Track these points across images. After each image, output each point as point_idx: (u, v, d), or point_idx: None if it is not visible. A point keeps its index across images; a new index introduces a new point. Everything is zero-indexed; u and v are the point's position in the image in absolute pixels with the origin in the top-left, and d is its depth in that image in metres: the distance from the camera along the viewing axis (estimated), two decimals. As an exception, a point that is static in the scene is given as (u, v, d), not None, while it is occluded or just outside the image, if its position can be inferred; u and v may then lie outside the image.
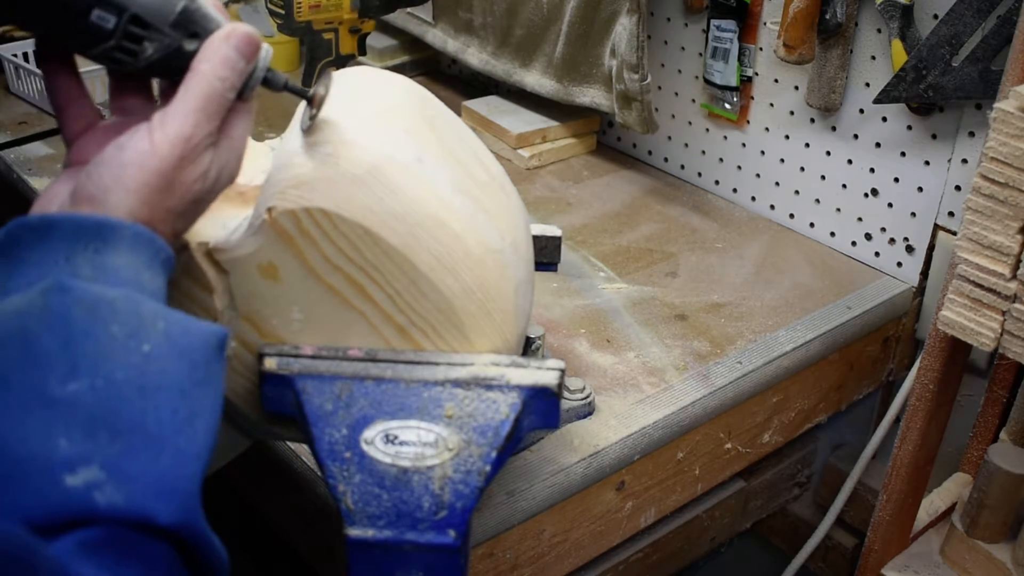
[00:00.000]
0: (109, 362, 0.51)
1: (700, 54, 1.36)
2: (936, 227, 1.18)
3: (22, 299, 0.52)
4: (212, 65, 0.59)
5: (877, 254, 1.25)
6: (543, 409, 0.69)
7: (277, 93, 0.65)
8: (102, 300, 0.52)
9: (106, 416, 0.50)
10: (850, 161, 1.25)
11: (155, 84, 0.66)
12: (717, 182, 1.42)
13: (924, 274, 1.21)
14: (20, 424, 0.48)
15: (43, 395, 0.49)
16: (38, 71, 1.52)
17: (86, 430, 0.49)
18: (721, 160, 1.40)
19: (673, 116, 1.44)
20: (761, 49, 1.28)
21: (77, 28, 0.57)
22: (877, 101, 1.13)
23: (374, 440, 0.66)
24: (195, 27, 0.60)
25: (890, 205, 1.22)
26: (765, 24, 1.26)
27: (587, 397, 0.95)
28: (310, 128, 0.67)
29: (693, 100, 1.40)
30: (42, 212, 0.58)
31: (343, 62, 1.41)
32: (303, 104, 0.68)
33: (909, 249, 1.22)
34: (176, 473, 0.51)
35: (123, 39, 0.58)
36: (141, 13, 0.58)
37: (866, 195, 1.24)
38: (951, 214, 1.16)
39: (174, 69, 0.60)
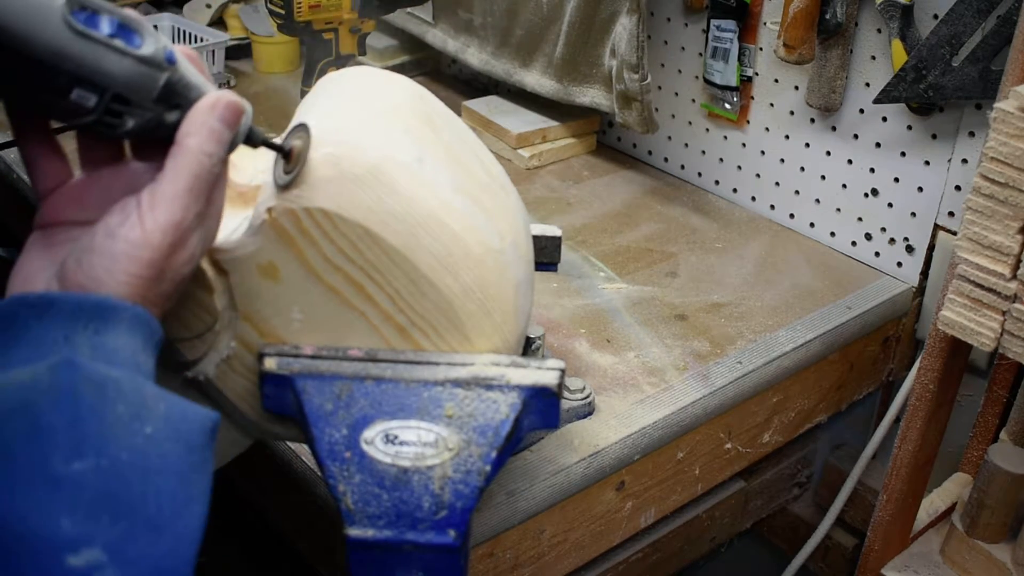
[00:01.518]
0: (114, 443, 0.51)
1: (700, 54, 1.36)
2: (936, 227, 1.18)
3: (27, 373, 0.51)
4: (199, 140, 0.57)
5: (877, 254, 1.25)
6: (543, 409, 0.69)
7: (256, 147, 0.64)
8: (109, 379, 0.52)
9: (109, 498, 0.50)
10: (850, 161, 1.25)
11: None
12: (717, 182, 1.42)
13: (924, 274, 1.21)
14: (23, 500, 0.48)
15: (47, 472, 0.49)
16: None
17: (89, 511, 0.49)
18: (721, 160, 1.40)
19: (673, 116, 1.44)
20: (761, 49, 1.28)
21: (57, 105, 0.55)
22: (877, 101, 1.13)
23: (374, 440, 0.66)
24: (177, 99, 0.58)
25: (890, 205, 1.22)
26: (765, 24, 1.26)
27: (587, 397, 0.95)
28: (288, 183, 0.65)
29: (693, 100, 1.40)
30: (25, 289, 0.57)
31: (343, 62, 1.41)
32: (276, 159, 0.66)
33: (909, 249, 1.22)
34: (174, 557, 0.51)
35: (104, 115, 0.56)
36: (123, 92, 0.56)
37: (866, 195, 1.24)
38: (951, 214, 1.16)
39: (154, 138, 0.59)
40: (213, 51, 1.63)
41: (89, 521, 0.49)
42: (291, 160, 0.66)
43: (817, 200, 1.30)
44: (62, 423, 0.50)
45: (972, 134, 1.11)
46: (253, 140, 0.63)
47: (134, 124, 0.57)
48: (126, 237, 0.56)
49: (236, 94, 0.60)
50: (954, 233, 1.15)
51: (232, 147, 0.60)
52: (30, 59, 0.53)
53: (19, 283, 0.59)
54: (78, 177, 0.63)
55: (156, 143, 0.59)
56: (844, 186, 1.26)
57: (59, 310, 0.53)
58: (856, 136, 1.23)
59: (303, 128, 0.67)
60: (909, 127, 1.17)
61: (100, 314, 0.54)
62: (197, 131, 0.58)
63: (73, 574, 0.47)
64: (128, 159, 0.63)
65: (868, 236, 1.26)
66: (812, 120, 1.27)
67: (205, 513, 0.54)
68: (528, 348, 0.89)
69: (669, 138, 1.46)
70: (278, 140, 0.67)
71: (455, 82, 1.75)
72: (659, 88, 1.44)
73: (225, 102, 0.59)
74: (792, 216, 1.34)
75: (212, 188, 0.59)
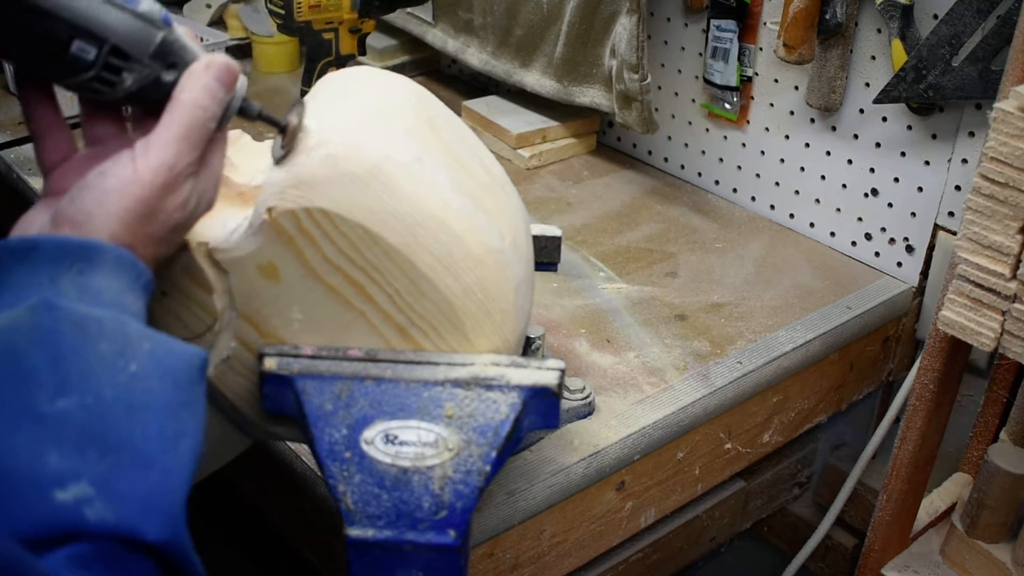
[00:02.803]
0: (97, 380, 0.51)
1: (700, 54, 1.36)
2: (936, 227, 1.18)
3: (9, 317, 0.52)
4: (194, 95, 0.59)
5: (877, 254, 1.25)
6: (543, 409, 0.69)
7: (253, 119, 0.65)
8: (90, 319, 0.53)
9: (95, 433, 0.50)
10: (850, 161, 1.25)
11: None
12: (717, 182, 1.42)
13: (924, 274, 1.21)
14: (9, 438, 0.49)
15: (32, 411, 0.49)
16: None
17: (76, 446, 0.49)
18: (721, 160, 1.40)
19: (673, 116, 1.44)
20: (761, 49, 1.28)
21: (57, 59, 0.57)
22: (877, 101, 1.13)
23: (374, 440, 0.66)
24: (174, 58, 0.60)
25: (890, 205, 1.22)
26: (765, 24, 1.26)
27: (587, 397, 0.95)
28: (283, 157, 0.67)
29: (693, 100, 1.40)
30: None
31: (343, 62, 1.41)
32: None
33: (909, 249, 1.22)
34: (163, 491, 0.51)
35: (103, 70, 0.58)
36: (121, 44, 0.58)
37: (866, 195, 1.24)
38: (951, 214, 1.16)
39: (152, 100, 0.60)
40: (213, 51, 1.62)
41: (76, 456, 0.49)
42: (286, 134, 0.67)
43: (817, 200, 1.30)
44: (44, 363, 0.50)
45: (972, 134, 1.11)
46: (249, 112, 0.64)
47: (132, 81, 0.59)
48: (117, 174, 0.57)
49: (232, 60, 0.62)
50: (954, 233, 1.15)
51: (229, 111, 0.62)
52: (33, 8, 0.55)
53: (15, 233, 0.60)
54: (82, 152, 0.64)
55: (157, 115, 0.60)
56: (844, 186, 1.26)
57: (42, 253, 0.54)
58: (856, 136, 1.23)
59: (299, 104, 0.68)
60: (909, 127, 1.17)
61: (84, 255, 0.55)
62: (192, 87, 0.60)
63: (62, 508, 0.48)
64: (130, 133, 0.65)
65: (868, 236, 1.26)
66: (812, 120, 1.27)
67: (195, 448, 0.54)
68: (528, 348, 0.89)
69: (669, 138, 1.46)
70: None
71: (455, 82, 1.75)
72: (659, 88, 1.44)
73: (220, 62, 0.61)
74: (792, 216, 1.34)
75: (207, 144, 0.61)
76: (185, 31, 0.62)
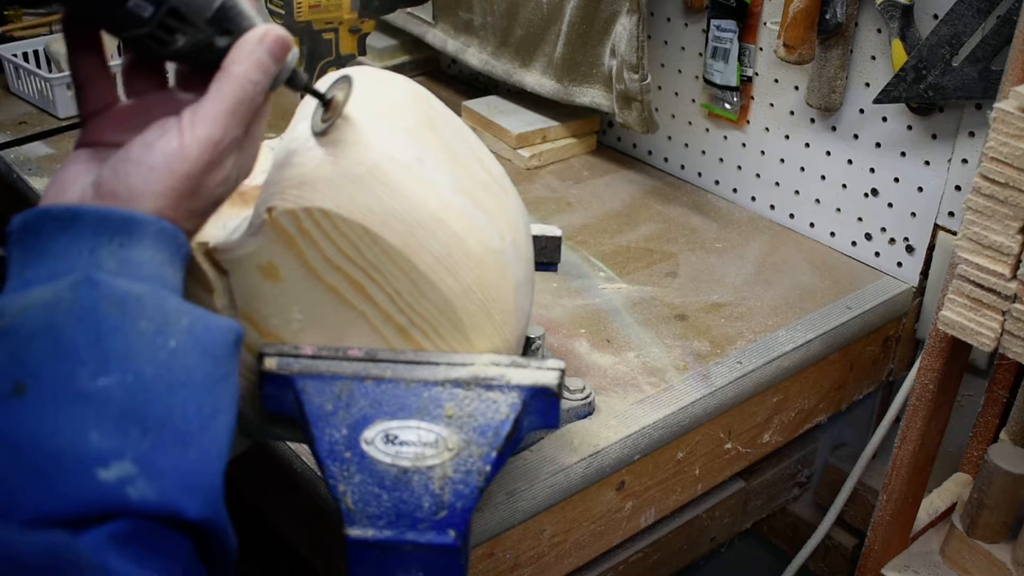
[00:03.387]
0: (138, 358, 0.51)
1: (700, 54, 1.36)
2: (936, 227, 1.18)
3: (50, 292, 0.51)
4: (246, 68, 0.58)
5: (877, 254, 1.25)
6: (543, 409, 0.69)
7: (299, 91, 0.64)
8: (130, 296, 0.52)
9: (136, 411, 0.50)
10: (850, 161, 1.25)
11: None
12: (717, 182, 1.42)
13: (924, 274, 1.21)
14: (52, 417, 0.49)
15: (74, 389, 0.49)
16: (38, 71, 1.52)
17: (117, 425, 0.49)
18: (721, 160, 1.40)
19: (673, 116, 1.44)
20: (761, 49, 1.28)
21: (113, 11, 0.56)
22: (877, 101, 1.13)
23: (374, 440, 0.66)
24: (230, 24, 0.59)
25: (890, 205, 1.22)
26: (765, 24, 1.26)
27: (587, 397, 0.95)
28: (324, 131, 0.67)
29: (693, 100, 1.40)
30: (58, 198, 0.58)
31: (343, 62, 1.41)
32: (314, 106, 0.68)
33: (909, 249, 1.22)
34: (202, 468, 0.52)
35: (157, 28, 0.57)
36: (179, 6, 0.57)
37: (866, 195, 1.24)
38: (951, 214, 1.16)
39: (202, 62, 0.60)
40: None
41: (118, 435, 0.49)
42: (329, 109, 0.66)
43: (817, 200, 1.30)
44: (85, 341, 0.50)
45: (972, 134, 1.11)
46: (296, 82, 0.64)
47: (185, 42, 0.58)
48: (163, 149, 0.56)
49: (286, 31, 0.61)
50: (954, 233, 1.15)
51: (277, 83, 0.61)
52: None
53: (53, 193, 0.59)
54: (124, 103, 0.64)
55: (201, 74, 0.60)
56: (844, 186, 1.26)
57: (85, 223, 0.54)
58: (856, 136, 1.23)
59: (346, 80, 0.67)
60: (909, 127, 1.17)
61: (126, 228, 0.54)
62: (245, 59, 0.59)
63: (105, 487, 0.48)
64: (173, 89, 0.64)
65: (868, 236, 1.26)
66: (812, 120, 1.27)
67: (232, 424, 0.55)
68: (528, 348, 0.89)
69: (669, 138, 1.46)
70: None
71: (455, 82, 1.75)
72: (659, 88, 1.44)
73: (275, 35, 0.60)
74: (792, 216, 1.34)
75: (253, 117, 0.60)
76: None
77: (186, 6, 0.57)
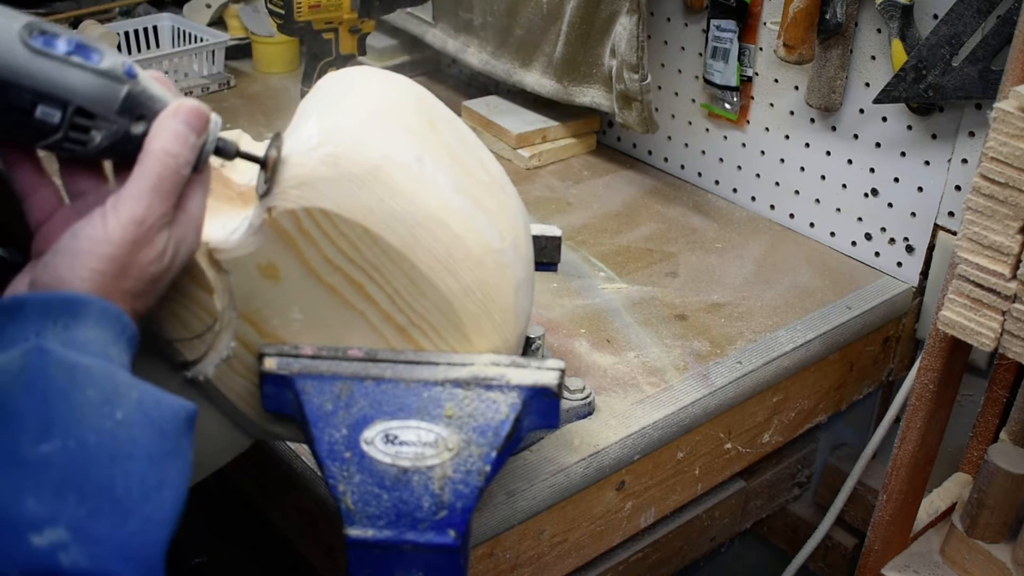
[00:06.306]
0: (83, 425, 0.51)
1: (700, 54, 1.36)
2: (936, 227, 1.18)
3: (0, 361, 0.52)
4: (162, 142, 0.59)
5: (877, 254, 1.25)
6: (543, 409, 0.69)
7: (231, 159, 0.65)
8: (79, 365, 0.53)
9: (76, 478, 0.50)
10: (850, 161, 1.25)
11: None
12: (717, 182, 1.42)
13: (924, 274, 1.21)
14: None
15: (14, 455, 0.50)
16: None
17: (55, 491, 0.50)
18: (721, 160, 1.40)
19: (673, 116, 1.44)
20: (761, 49, 1.28)
21: (24, 125, 0.57)
22: (877, 101, 1.13)
23: (374, 440, 0.66)
24: (141, 110, 0.59)
25: (890, 205, 1.22)
26: (765, 24, 1.26)
27: (587, 397, 0.95)
28: (265, 193, 0.66)
29: (693, 100, 1.40)
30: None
31: (343, 62, 1.41)
32: (259, 170, 0.68)
33: (909, 249, 1.22)
34: (141, 539, 0.52)
35: (70, 131, 0.58)
36: (85, 105, 0.57)
37: (866, 195, 1.24)
38: (951, 214, 1.16)
39: (125, 153, 0.60)
40: (213, 51, 1.63)
41: (55, 501, 0.49)
42: (267, 169, 0.66)
43: (817, 200, 1.30)
44: (31, 407, 0.51)
45: (972, 134, 1.11)
46: (226, 152, 0.64)
47: (102, 138, 0.59)
48: (88, 235, 0.57)
49: (202, 103, 0.61)
50: (954, 233, 1.15)
51: (203, 155, 0.61)
52: None
53: (5, 295, 0.59)
54: (66, 206, 0.64)
55: (134, 163, 0.60)
56: (844, 186, 1.26)
57: (30, 309, 0.54)
58: (856, 136, 1.23)
59: (277, 138, 0.68)
60: (909, 127, 1.17)
61: (68, 309, 0.55)
62: (160, 135, 0.59)
63: (37, 553, 0.48)
64: (110, 182, 0.64)
65: (868, 236, 1.26)
66: (812, 120, 1.27)
67: (178, 499, 0.55)
68: (528, 348, 0.89)
69: (669, 138, 1.46)
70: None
71: (455, 82, 1.75)
72: (659, 88, 1.44)
73: (189, 107, 0.60)
74: (792, 216, 1.34)
75: (181, 190, 0.60)
76: (153, 76, 0.61)
77: (91, 103, 0.57)
